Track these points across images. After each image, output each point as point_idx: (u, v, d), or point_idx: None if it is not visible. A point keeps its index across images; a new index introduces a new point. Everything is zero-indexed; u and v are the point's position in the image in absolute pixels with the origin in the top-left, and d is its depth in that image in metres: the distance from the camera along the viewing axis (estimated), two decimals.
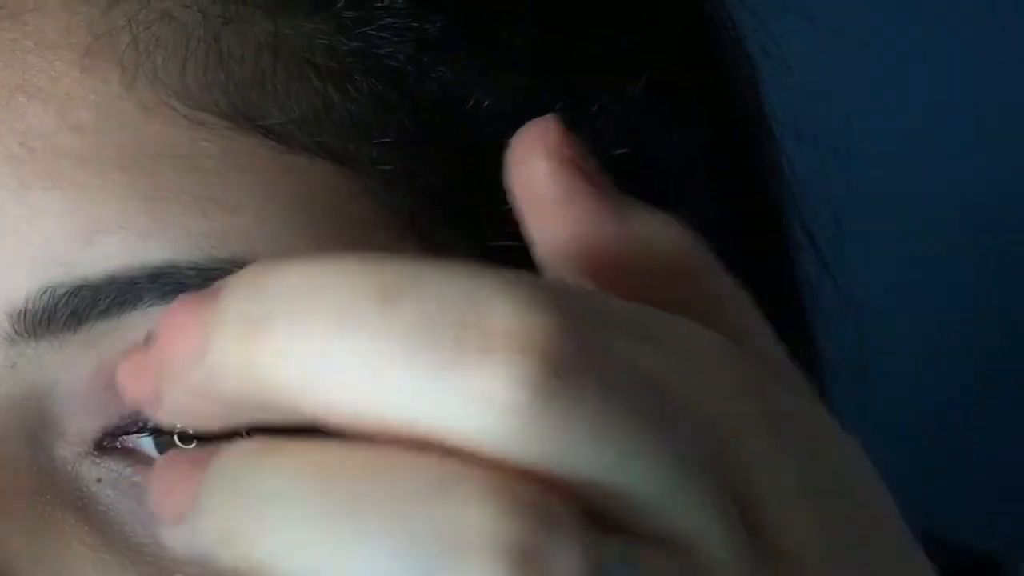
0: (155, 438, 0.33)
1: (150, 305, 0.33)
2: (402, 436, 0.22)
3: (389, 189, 0.34)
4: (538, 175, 0.27)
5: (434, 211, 0.35)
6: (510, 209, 0.32)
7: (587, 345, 0.22)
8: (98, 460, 0.34)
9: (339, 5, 0.34)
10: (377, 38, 0.34)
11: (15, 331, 0.32)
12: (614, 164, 0.34)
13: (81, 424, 0.34)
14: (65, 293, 0.33)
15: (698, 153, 0.39)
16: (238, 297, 0.24)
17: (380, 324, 0.22)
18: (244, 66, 0.34)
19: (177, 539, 0.24)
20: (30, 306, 0.32)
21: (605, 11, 0.37)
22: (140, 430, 0.33)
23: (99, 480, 0.34)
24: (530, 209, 0.28)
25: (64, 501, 0.33)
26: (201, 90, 0.34)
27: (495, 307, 0.21)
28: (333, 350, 0.22)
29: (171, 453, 0.29)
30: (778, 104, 0.43)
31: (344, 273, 0.23)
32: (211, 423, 0.26)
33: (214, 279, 0.30)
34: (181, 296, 0.26)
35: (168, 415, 0.25)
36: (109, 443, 0.34)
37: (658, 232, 0.28)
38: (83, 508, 0.33)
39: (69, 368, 0.33)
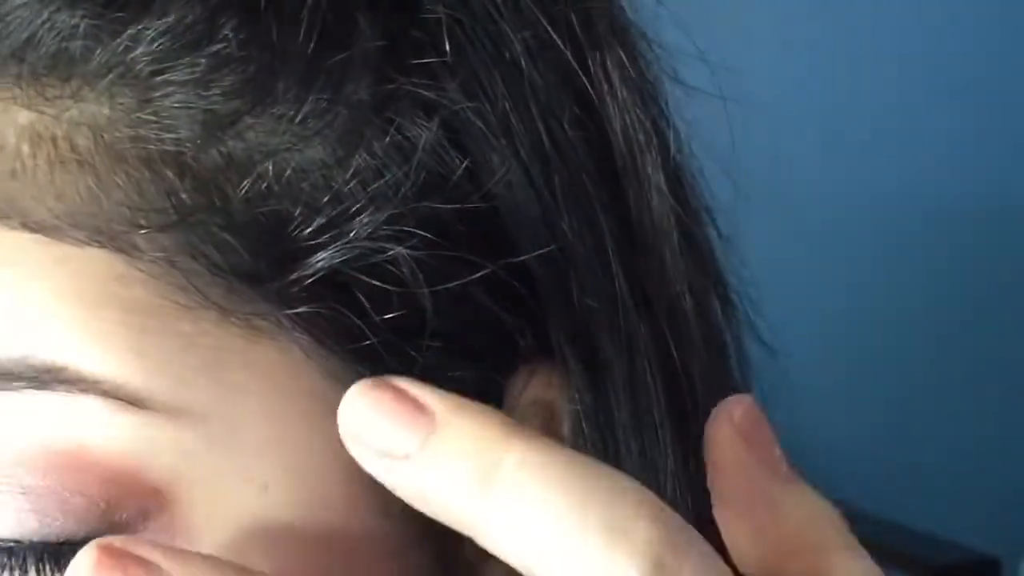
0: None
1: None
2: None
3: (174, 269, 0.34)
4: (726, 445, 0.33)
5: (229, 286, 0.34)
6: (308, 276, 0.34)
7: (682, 562, 0.29)
8: None
9: (105, 89, 0.34)
10: (151, 121, 0.34)
11: None
12: (442, 210, 0.36)
13: None
14: None
15: (554, 175, 0.38)
16: (478, 447, 0.30)
17: (565, 516, 0.29)
18: (2, 160, 0.33)
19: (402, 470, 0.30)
20: None
21: (406, 52, 0.36)
22: None
23: None
24: (714, 466, 0.34)
25: None
26: None
27: (632, 517, 0.29)
28: (534, 519, 0.29)
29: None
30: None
31: (557, 479, 0.30)
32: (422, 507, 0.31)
33: None
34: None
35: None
36: None
37: (808, 511, 0.33)
38: None
39: None
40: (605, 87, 0.39)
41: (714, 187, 0.45)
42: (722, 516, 0.33)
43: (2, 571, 0.33)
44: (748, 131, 0.47)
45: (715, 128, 0.45)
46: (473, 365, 0.37)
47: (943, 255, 1.88)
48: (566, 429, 0.38)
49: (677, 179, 0.41)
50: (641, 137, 0.40)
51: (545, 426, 0.38)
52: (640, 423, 0.39)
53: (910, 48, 1.83)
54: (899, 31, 1.83)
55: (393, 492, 0.31)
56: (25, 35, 0.33)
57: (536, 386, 0.38)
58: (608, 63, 0.39)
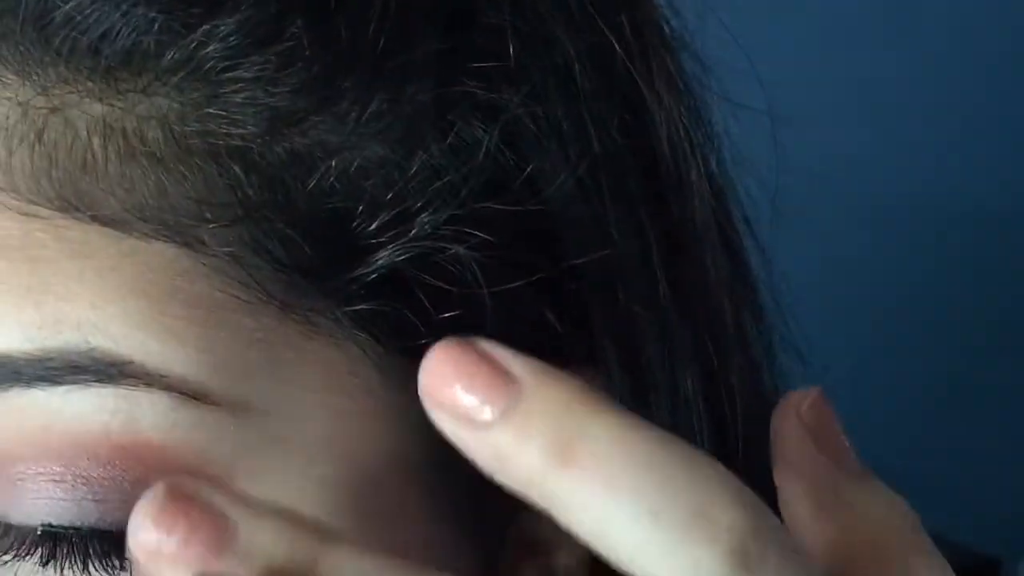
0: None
1: None
2: (616, 561, 0.29)
3: (238, 265, 0.34)
4: (793, 440, 0.33)
5: (291, 282, 0.35)
6: (370, 273, 0.35)
7: (765, 550, 0.29)
8: None
9: (176, 84, 0.34)
10: (220, 116, 0.34)
11: None
12: (499, 211, 0.36)
13: None
14: None
15: (604, 181, 0.38)
16: (562, 418, 0.29)
17: (648, 495, 0.29)
18: (72, 156, 0.33)
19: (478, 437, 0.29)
20: None
21: (468, 56, 0.36)
22: None
23: None
24: (782, 462, 0.33)
25: None
26: (29, 183, 0.33)
27: (718, 500, 0.28)
28: (616, 496, 0.28)
29: None
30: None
31: (642, 453, 0.29)
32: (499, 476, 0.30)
33: (47, 366, 0.32)
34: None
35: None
36: None
37: (878, 511, 0.33)
38: None
39: None
40: (652, 96, 0.40)
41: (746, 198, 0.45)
42: (790, 511, 0.33)
43: (63, 556, 0.33)
44: (778, 143, 0.47)
45: (745, 140, 0.46)
46: None
47: (937, 254, 1.88)
48: None
49: (719, 189, 0.42)
50: (686, 146, 0.40)
51: None
52: (679, 430, 0.39)
53: (941, 52, 1.83)
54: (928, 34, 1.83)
55: (468, 457, 0.30)
56: (102, 29, 0.33)
57: None
58: (656, 72, 0.40)
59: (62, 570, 0.34)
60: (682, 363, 0.39)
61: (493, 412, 0.29)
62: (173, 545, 0.29)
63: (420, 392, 0.30)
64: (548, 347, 0.37)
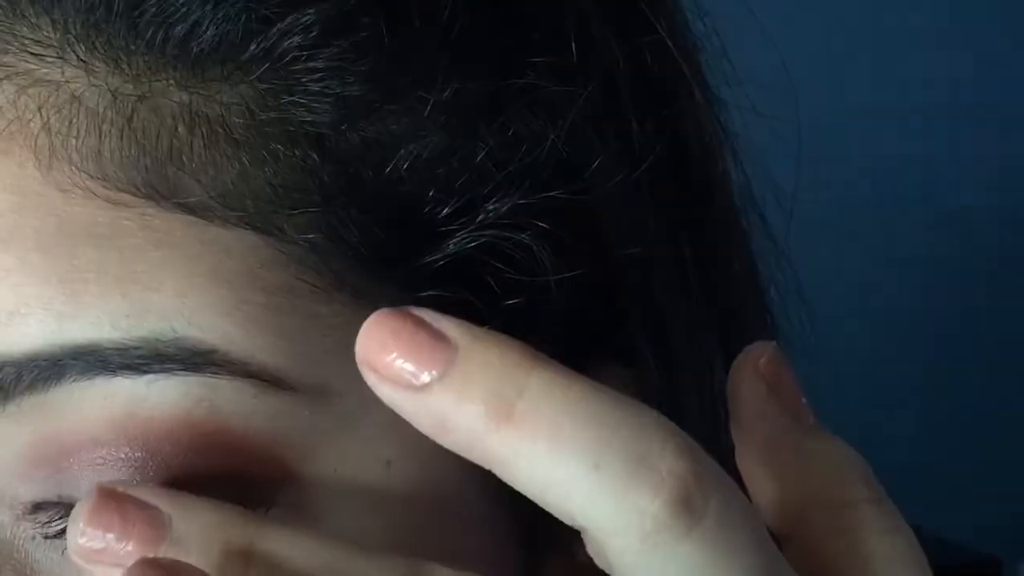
0: None
1: (74, 381, 0.34)
2: (570, 522, 0.30)
3: (313, 252, 0.35)
4: (749, 390, 0.34)
5: (363, 268, 0.35)
6: (438, 260, 0.36)
7: (708, 493, 0.30)
8: (33, 518, 0.35)
9: (255, 75, 0.35)
10: (296, 104, 0.35)
11: None
12: (556, 203, 0.37)
13: (17, 491, 0.34)
14: None
15: (643, 178, 0.39)
16: (500, 378, 0.30)
17: (590, 448, 0.30)
18: (160, 142, 0.34)
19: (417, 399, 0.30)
20: None
21: (528, 51, 0.37)
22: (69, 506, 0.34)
23: (32, 538, 0.35)
24: (739, 415, 0.34)
25: (2, 561, 0.35)
26: (118, 170, 0.34)
27: (658, 448, 0.29)
28: (558, 450, 0.29)
29: None
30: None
31: (582, 412, 0.30)
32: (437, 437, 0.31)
33: (134, 355, 0.33)
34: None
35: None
36: (42, 502, 0.35)
37: (829, 462, 0.33)
38: (17, 565, 0.35)
39: (9, 436, 0.34)
40: (686, 96, 0.41)
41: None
42: (744, 464, 0.34)
43: None
44: (778, 140, 0.48)
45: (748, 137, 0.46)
46: (562, 352, 0.36)
47: (950, 257, 1.88)
48: None
49: (742, 187, 0.43)
50: (715, 146, 0.41)
51: None
52: (706, 425, 0.39)
53: (937, 53, 1.84)
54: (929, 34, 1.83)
55: (410, 422, 0.31)
56: (191, 22, 0.34)
57: (606, 382, 0.39)
58: (689, 74, 0.41)
59: None
60: (710, 359, 0.40)
61: (431, 376, 0.30)
62: (110, 543, 0.30)
63: (358, 360, 0.30)
64: (588, 341, 0.38)
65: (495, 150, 0.36)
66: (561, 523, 0.35)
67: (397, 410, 0.31)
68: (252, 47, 0.34)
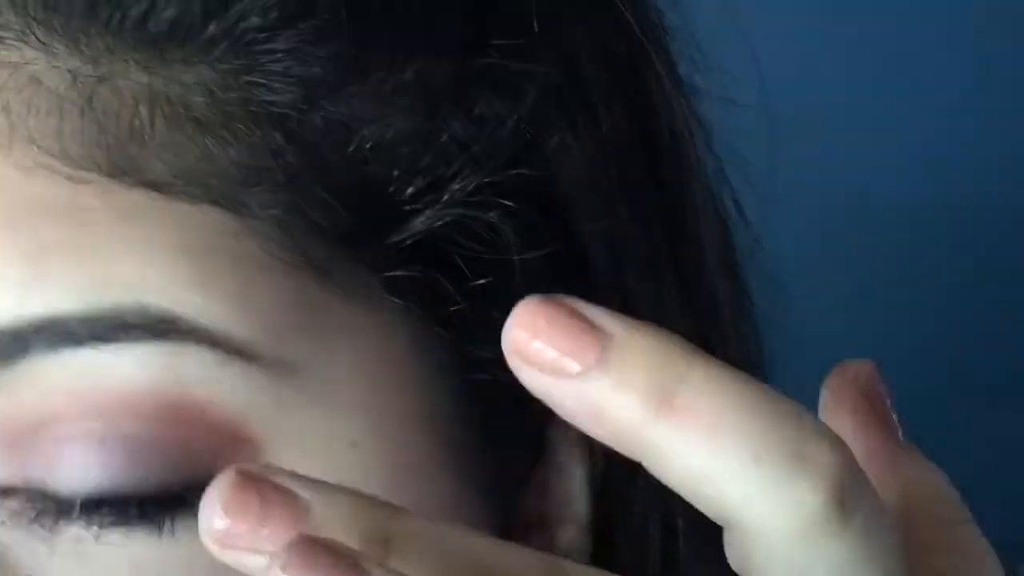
0: None
1: (39, 354, 0.34)
2: (722, 516, 0.30)
3: (280, 228, 0.36)
4: (851, 403, 0.34)
5: (329, 246, 0.36)
6: (405, 239, 0.36)
7: (860, 488, 0.30)
8: (2, 502, 0.35)
9: (217, 55, 0.35)
10: (259, 85, 0.35)
11: None
12: (522, 182, 0.37)
13: None
14: None
15: (611, 160, 0.40)
16: (660, 367, 0.29)
17: (752, 439, 0.29)
18: (120, 122, 0.35)
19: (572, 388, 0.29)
20: None
21: (490, 32, 0.38)
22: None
23: (2, 523, 0.35)
24: (839, 431, 0.33)
25: None
26: (79, 149, 0.35)
27: (816, 443, 0.29)
28: (719, 441, 0.29)
29: None
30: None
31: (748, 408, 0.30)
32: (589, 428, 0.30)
33: (98, 325, 0.34)
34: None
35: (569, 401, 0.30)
36: (8, 486, 0.35)
37: (927, 480, 0.34)
38: None
39: None
40: (655, 81, 0.41)
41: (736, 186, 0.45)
42: None
43: (105, 523, 0.34)
44: (764, 134, 0.48)
45: (729, 130, 0.46)
46: None
47: (950, 257, 1.89)
48: None
49: (714, 175, 0.44)
50: (685, 132, 0.42)
51: None
52: None
53: (930, 48, 1.84)
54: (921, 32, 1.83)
55: (560, 414, 0.30)
56: (148, 3, 0.35)
57: None
58: (657, 59, 0.42)
59: (102, 535, 0.34)
60: None
61: (587, 363, 0.29)
62: (247, 529, 0.30)
63: (506, 348, 0.30)
64: None
65: (458, 130, 0.37)
66: (545, 507, 0.37)
67: (548, 401, 0.30)
68: (211, 28, 0.35)
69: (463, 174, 0.37)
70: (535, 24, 0.38)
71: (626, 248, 0.40)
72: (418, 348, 0.37)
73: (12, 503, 0.35)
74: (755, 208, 0.46)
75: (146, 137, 0.35)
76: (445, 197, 0.37)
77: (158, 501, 0.35)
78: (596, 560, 0.39)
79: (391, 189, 0.36)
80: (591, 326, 0.29)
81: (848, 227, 1.82)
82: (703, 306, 0.42)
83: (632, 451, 0.30)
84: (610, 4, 0.41)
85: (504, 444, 0.38)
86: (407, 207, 0.37)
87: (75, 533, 0.35)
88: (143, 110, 0.35)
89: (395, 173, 0.36)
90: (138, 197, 0.35)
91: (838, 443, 0.30)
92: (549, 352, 0.29)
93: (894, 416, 0.35)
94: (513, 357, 0.30)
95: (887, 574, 0.30)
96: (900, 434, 0.35)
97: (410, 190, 0.37)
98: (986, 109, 1.89)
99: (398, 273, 0.36)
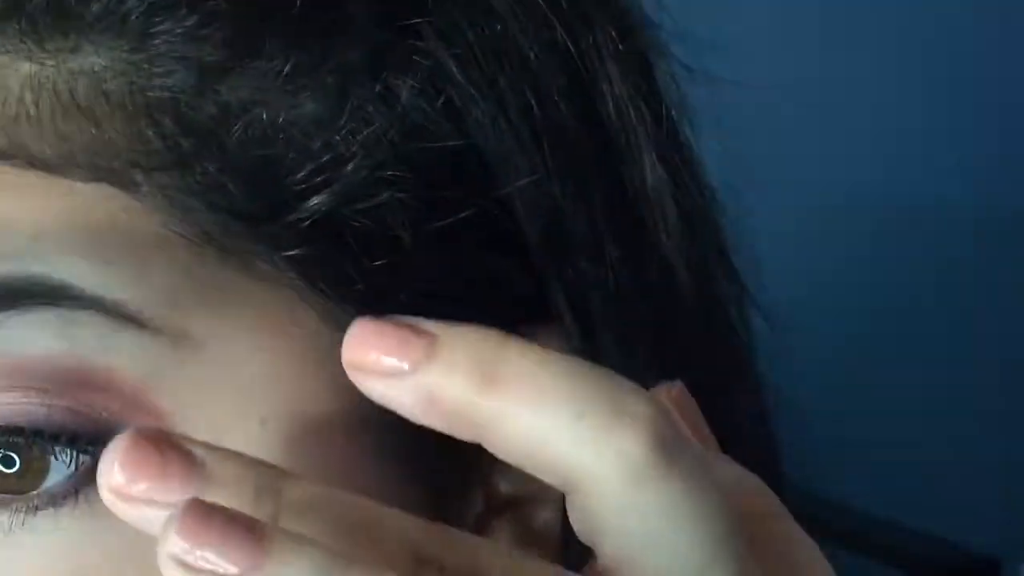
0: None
1: None
2: (559, 478, 0.32)
3: (175, 206, 0.36)
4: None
5: (228, 225, 0.37)
6: (302, 219, 0.37)
7: (680, 435, 0.32)
8: None
9: (102, 41, 0.36)
10: (146, 69, 0.36)
11: None
12: (431, 155, 0.38)
13: None
14: None
15: (545, 135, 0.40)
16: (481, 351, 0.32)
17: (573, 398, 0.32)
18: (6, 109, 0.36)
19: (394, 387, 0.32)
20: None
21: (390, 17, 0.39)
22: None
23: None
24: None
25: None
26: None
27: (633, 400, 0.31)
28: (543, 404, 0.32)
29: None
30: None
31: (563, 375, 0.32)
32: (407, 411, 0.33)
33: None
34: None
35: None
36: None
37: (746, 478, 0.35)
38: None
39: None
40: (595, 62, 0.42)
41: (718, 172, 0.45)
42: None
43: (22, 453, 0.36)
44: (748, 121, 0.48)
45: (718, 114, 0.46)
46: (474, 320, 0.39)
47: (950, 254, 1.88)
48: None
49: (674, 156, 0.44)
50: (632, 112, 0.42)
51: None
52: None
53: (912, 43, 1.84)
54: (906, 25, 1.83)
55: (400, 411, 0.32)
56: None
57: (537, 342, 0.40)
58: (597, 38, 0.42)
59: (27, 521, 0.36)
60: (632, 320, 0.42)
61: (416, 359, 0.32)
62: (145, 484, 0.31)
63: (345, 365, 0.32)
64: (500, 303, 0.40)
65: (357, 111, 0.37)
66: (518, 489, 0.39)
67: (387, 403, 0.32)
68: (90, 14, 0.36)
69: (361, 154, 0.37)
70: (446, 6, 0.39)
71: (568, 228, 0.41)
72: (331, 327, 0.37)
73: None
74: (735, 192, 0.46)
75: (32, 124, 0.36)
76: (342, 177, 0.37)
77: (71, 470, 0.35)
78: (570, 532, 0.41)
79: (286, 169, 0.37)
80: (416, 330, 0.32)
81: (824, 215, 1.82)
82: (654, 280, 0.42)
83: (468, 431, 0.32)
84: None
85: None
86: (303, 187, 0.37)
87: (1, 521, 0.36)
88: (28, 98, 0.36)
89: (290, 155, 0.37)
90: (28, 176, 0.35)
91: (654, 399, 0.32)
92: (381, 360, 0.32)
93: (707, 429, 0.36)
94: (353, 373, 0.32)
95: (717, 508, 0.32)
96: (714, 442, 0.36)
97: (305, 171, 0.37)
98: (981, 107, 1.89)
99: (297, 252, 0.37)
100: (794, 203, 1.64)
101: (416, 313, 0.34)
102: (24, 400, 0.35)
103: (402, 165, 0.38)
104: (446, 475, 0.39)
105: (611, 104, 0.42)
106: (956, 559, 1.63)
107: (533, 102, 0.40)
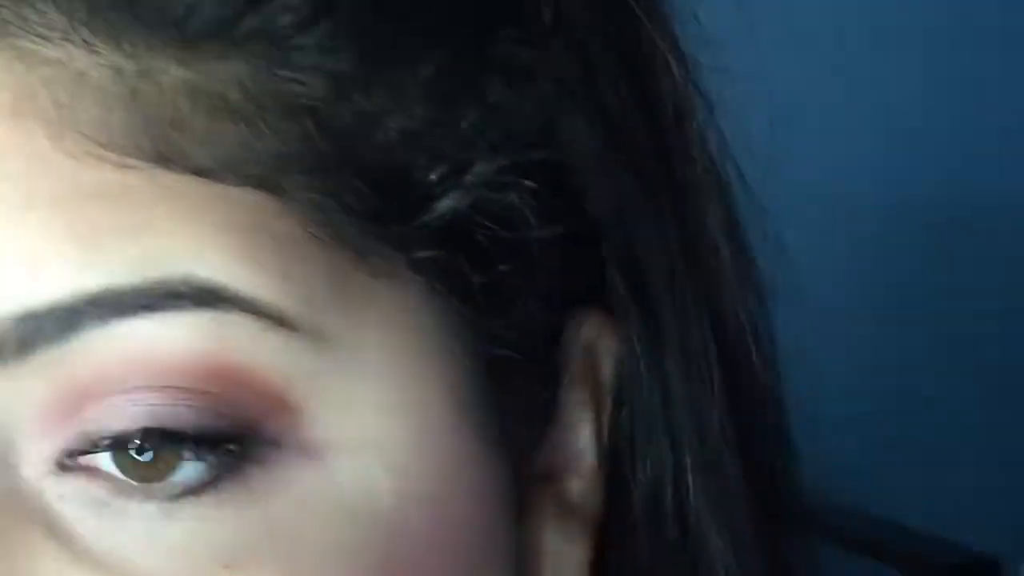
0: (112, 455, 0.37)
1: (91, 327, 0.36)
2: None
3: (316, 209, 0.38)
4: None
5: (361, 227, 0.38)
6: (431, 221, 0.39)
7: None
8: (60, 478, 0.37)
9: (249, 51, 0.38)
10: (289, 79, 0.38)
11: None
12: (537, 165, 0.40)
13: (40, 446, 0.37)
14: (13, 323, 0.36)
15: (620, 142, 0.42)
16: None
17: None
18: (162, 113, 0.37)
19: None
20: None
21: (502, 22, 0.41)
22: (96, 448, 0.37)
23: (61, 497, 0.37)
24: None
25: (31, 519, 0.37)
26: (125, 137, 0.37)
27: None
28: None
29: None
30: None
31: None
32: None
33: (148, 296, 0.36)
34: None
35: None
36: (70, 462, 0.37)
37: None
38: (49, 525, 0.37)
39: (21, 394, 0.37)
40: (662, 65, 0.44)
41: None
42: None
43: (163, 484, 0.37)
44: (752, 126, 0.48)
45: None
46: (548, 306, 0.41)
47: (949, 255, 1.89)
48: (606, 374, 0.42)
49: (718, 158, 0.46)
50: (689, 113, 0.44)
51: (588, 369, 0.42)
52: (689, 371, 0.43)
53: (915, 46, 1.84)
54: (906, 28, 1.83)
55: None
56: (186, 4, 0.37)
57: (588, 331, 0.42)
58: (659, 35, 0.44)
59: (168, 507, 0.37)
60: (691, 307, 0.43)
61: None
62: None
63: None
64: (575, 294, 0.42)
65: (475, 117, 0.39)
66: (556, 462, 0.41)
67: None
68: (244, 25, 0.37)
69: (482, 159, 0.39)
70: (545, 14, 0.40)
71: (633, 218, 0.42)
72: (440, 322, 0.39)
73: (73, 481, 0.37)
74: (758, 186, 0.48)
75: (186, 127, 0.37)
76: (467, 181, 0.39)
77: (210, 463, 0.37)
78: (612, 509, 0.43)
79: (417, 174, 0.38)
80: None
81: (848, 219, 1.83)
82: (707, 272, 0.44)
83: None
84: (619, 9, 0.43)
85: (519, 408, 0.40)
86: (432, 191, 0.39)
87: (138, 504, 0.37)
88: (183, 102, 0.37)
89: (420, 160, 0.38)
90: (183, 181, 0.37)
91: None
92: None
93: None
94: None
95: None
96: None
97: (434, 175, 0.38)
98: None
99: (424, 254, 0.38)
100: (797, 204, 1.64)
101: (528, 315, 0.38)
102: (171, 402, 0.36)
103: (523, 169, 0.39)
104: (522, 456, 0.41)
105: (671, 105, 0.44)
106: (956, 559, 1.63)
107: (614, 110, 0.42)
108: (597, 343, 0.42)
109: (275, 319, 0.37)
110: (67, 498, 0.36)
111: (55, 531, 0.36)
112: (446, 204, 0.38)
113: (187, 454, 0.36)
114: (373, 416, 0.38)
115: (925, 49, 1.86)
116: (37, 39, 0.37)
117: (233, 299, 0.36)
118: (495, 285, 0.39)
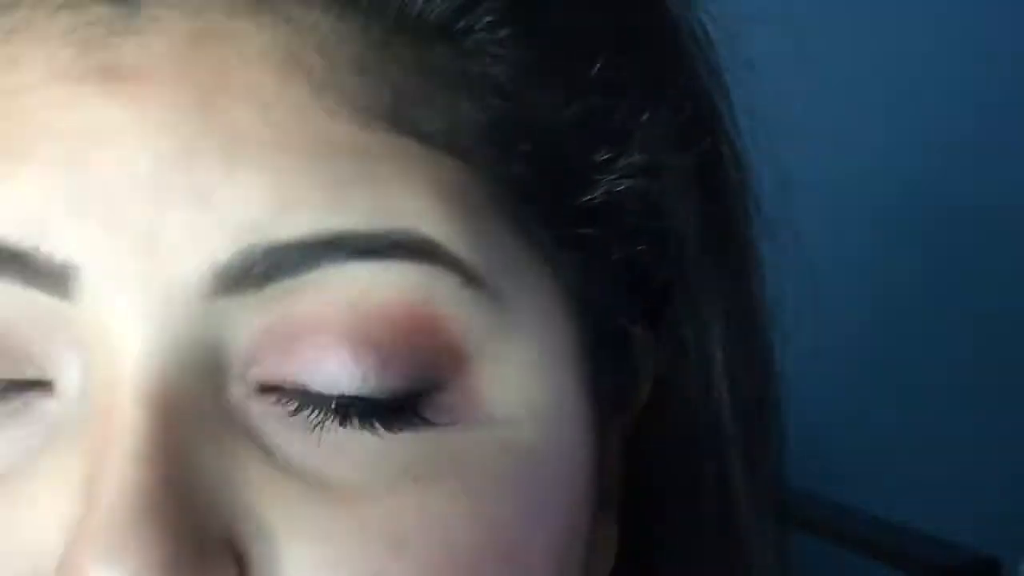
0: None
1: (326, 266, 0.40)
2: None
3: (495, 182, 0.42)
4: None
5: (524, 203, 0.43)
6: (583, 207, 0.43)
7: None
8: (262, 396, 0.40)
9: (460, 40, 0.43)
10: (491, 63, 0.43)
11: (214, 286, 0.40)
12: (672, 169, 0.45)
13: (249, 371, 0.41)
14: (260, 254, 0.40)
15: (693, 168, 0.47)
16: None
17: None
18: (404, 84, 0.42)
19: None
20: (230, 265, 0.40)
21: (634, 39, 0.46)
22: (295, 396, 0.41)
23: (263, 414, 0.40)
24: None
25: (238, 430, 0.40)
26: (371, 101, 0.41)
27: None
28: None
29: None
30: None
31: None
32: None
33: (377, 243, 0.40)
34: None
35: None
36: (271, 386, 0.41)
37: None
38: (253, 438, 0.40)
39: (245, 323, 0.40)
40: (721, 100, 0.48)
41: None
42: None
43: (351, 419, 0.41)
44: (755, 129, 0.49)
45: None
46: (635, 301, 0.45)
47: (947, 253, 1.89)
48: (645, 392, 0.47)
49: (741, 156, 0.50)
50: (739, 146, 0.49)
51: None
52: (711, 400, 0.47)
53: (917, 46, 1.84)
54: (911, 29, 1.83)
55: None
56: (423, 4, 0.42)
57: (634, 343, 0.46)
58: (717, 77, 0.48)
59: (348, 431, 0.40)
60: (735, 328, 0.47)
61: None
62: None
63: None
64: (640, 305, 0.46)
65: (633, 108, 0.44)
66: (622, 389, 0.46)
67: None
68: (462, 22, 0.43)
69: (630, 152, 0.44)
70: (671, 56, 0.47)
71: (689, 243, 0.46)
72: (572, 293, 0.44)
73: (271, 396, 0.40)
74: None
75: (419, 98, 0.42)
76: (622, 165, 0.43)
77: (392, 406, 0.41)
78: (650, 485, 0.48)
79: (579, 160, 0.43)
80: None
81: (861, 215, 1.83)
82: (741, 297, 0.48)
83: None
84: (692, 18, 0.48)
85: (615, 374, 0.45)
86: (590, 175, 0.43)
87: (327, 427, 0.40)
88: (416, 78, 0.42)
89: (586, 144, 0.43)
90: (411, 146, 0.41)
91: None
92: None
93: None
94: None
95: None
96: None
97: (593, 161, 0.43)
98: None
99: (576, 231, 0.43)
100: (797, 204, 1.63)
101: (632, 296, 0.44)
102: (371, 370, 0.40)
103: (662, 161, 0.44)
104: (609, 417, 0.46)
105: (727, 140, 0.48)
106: (956, 559, 1.63)
107: (690, 136, 0.46)
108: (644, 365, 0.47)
109: (471, 277, 0.41)
110: (267, 415, 0.40)
111: (259, 443, 0.40)
112: (599, 187, 0.43)
113: (377, 413, 0.40)
114: (526, 370, 0.42)
115: (925, 47, 1.86)
116: (302, 6, 0.41)
117: (443, 256, 0.41)
118: (624, 264, 0.44)
